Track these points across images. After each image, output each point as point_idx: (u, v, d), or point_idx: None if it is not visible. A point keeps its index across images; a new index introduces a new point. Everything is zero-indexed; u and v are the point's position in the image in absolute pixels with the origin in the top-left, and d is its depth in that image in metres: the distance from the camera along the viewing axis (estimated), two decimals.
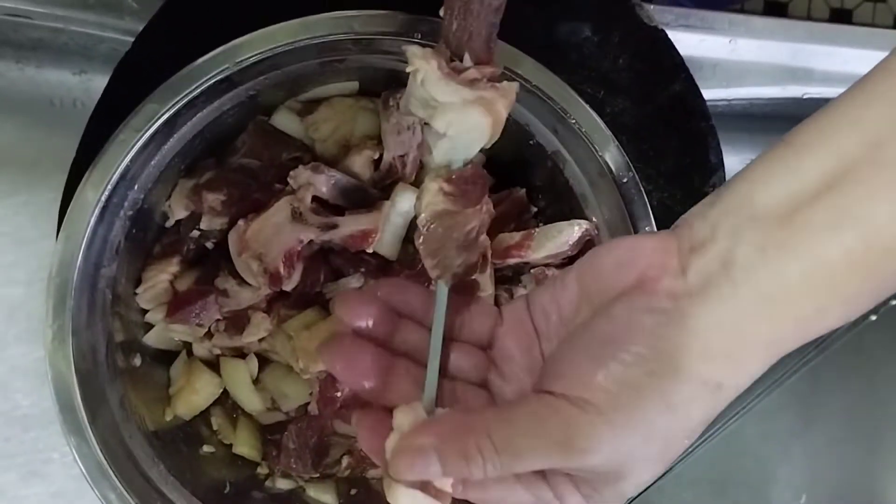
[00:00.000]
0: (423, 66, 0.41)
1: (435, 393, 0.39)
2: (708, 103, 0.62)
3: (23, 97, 0.70)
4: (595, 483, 0.36)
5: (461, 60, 0.43)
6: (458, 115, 0.41)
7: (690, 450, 0.72)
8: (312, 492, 0.59)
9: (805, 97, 0.69)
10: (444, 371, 0.40)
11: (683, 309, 0.34)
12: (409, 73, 0.42)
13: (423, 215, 0.43)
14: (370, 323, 0.40)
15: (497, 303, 0.57)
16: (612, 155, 0.53)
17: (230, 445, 0.59)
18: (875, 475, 0.74)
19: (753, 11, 1.21)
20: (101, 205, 0.49)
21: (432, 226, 0.43)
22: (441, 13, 0.43)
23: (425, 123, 0.43)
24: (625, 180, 0.53)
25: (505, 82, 0.44)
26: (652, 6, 0.64)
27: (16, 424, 0.68)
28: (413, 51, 0.42)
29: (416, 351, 0.41)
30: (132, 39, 0.64)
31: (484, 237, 0.44)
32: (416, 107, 0.43)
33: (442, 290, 0.41)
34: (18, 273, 0.69)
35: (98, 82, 0.70)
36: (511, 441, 0.35)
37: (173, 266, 0.56)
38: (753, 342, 0.34)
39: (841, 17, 1.29)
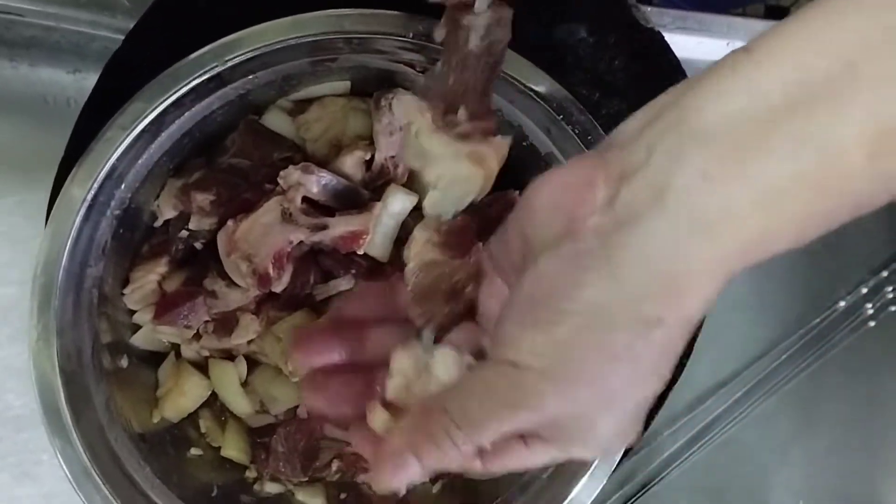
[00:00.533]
0: (417, 119, 0.41)
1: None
2: None
3: (16, 96, 0.69)
4: (563, 440, 0.35)
5: (456, 113, 0.43)
6: (449, 167, 0.41)
7: (687, 455, 0.72)
8: (301, 496, 0.59)
9: None
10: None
11: (610, 247, 0.31)
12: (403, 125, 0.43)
13: (411, 265, 0.43)
14: (333, 357, 0.40)
15: None
16: None
17: (218, 448, 0.59)
18: (874, 481, 0.73)
19: (754, 15, 1.21)
20: (87, 203, 0.49)
21: (421, 275, 0.42)
22: (438, 65, 0.43)
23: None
24: None
25: (499, 137, 0.43)
26: (649, 8, 0.63)
27: (8, 425, 0.67)
28: (408, 102, 0.42)
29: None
30: (124, 38, 0.63)
31: (471, 288, 0.44)
32: (410, 157, 0.43)
33: None
34: (12, 272, 0.69)
35: (92, 81, 0.69)
36: (467, 412, 0.34)
37: (161, 266, 0.55)
38: (692, 270, 0.30)
39: None
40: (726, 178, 0.29)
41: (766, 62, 0.29)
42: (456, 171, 0.42)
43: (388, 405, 0.38)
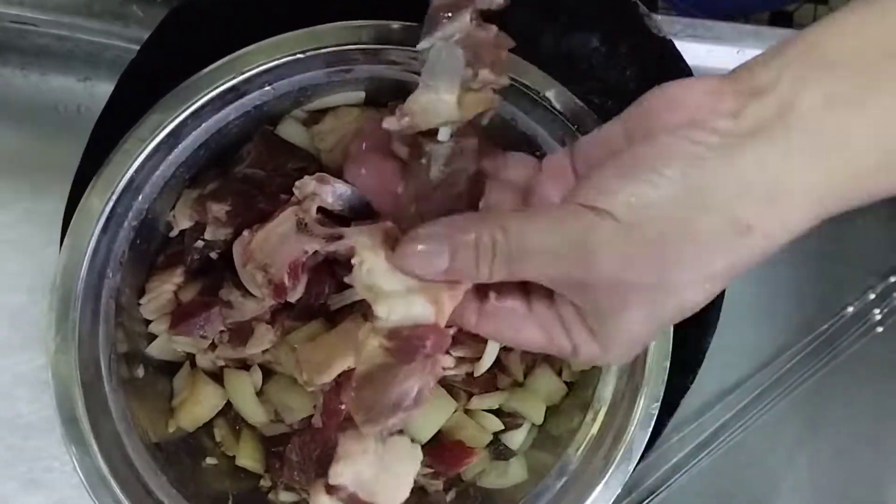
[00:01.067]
0: (370, 258, 0.40)
1: None
2: None
3: (27, 104, 0.70)
4: (598, 314, 0.35)
5: None
6: (401, 303, 0.39)
7: (695, 461, 0.72)
8: None
9: None
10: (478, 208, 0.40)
11: (729, 146, 0.32)
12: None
13: (360, 368, 0.40)
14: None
15: None
16: None
17: (233, 457, 0.59)
18: (881, 486, 0.73)
19: (759, 21, 1.22)
20: (105, 215, 0.49)
21: (365, 382, 0.40)
22: (399, 189, 0.42)
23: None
24: None
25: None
26: (659, 17, 0.63)
27: (17, 432, 0.68)
28: (362, 241, 0.40)
29: None
30: (137, 47, 0.63)
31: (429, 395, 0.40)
32: (360, 289, 0.41)
33: None
34: (22, 281, 0.69)
35: (102, 88, 0.70)
36: (525, 238, 0.34)
37: (177, 276, 0.55)
38: (799, 190, 0.32)
39: None
40: (848, 102, 0.31)
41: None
42: (407, 307, 0.39)
43: None
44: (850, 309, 0.73)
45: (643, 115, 0.35)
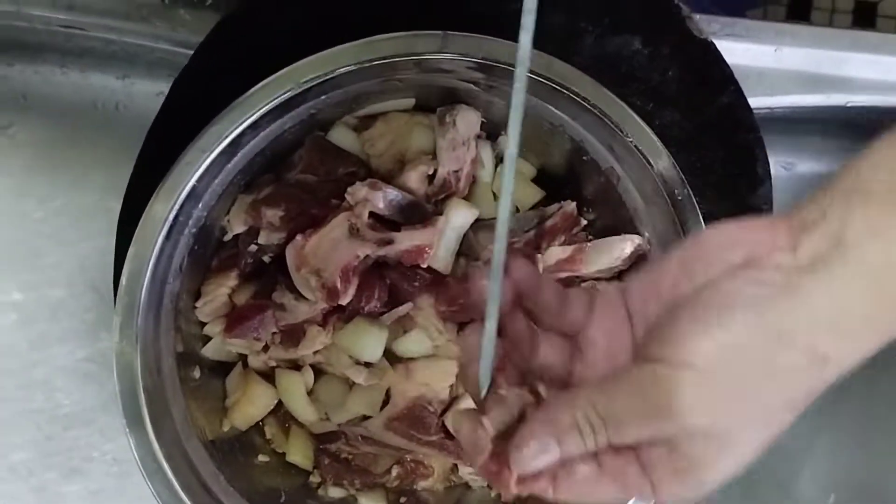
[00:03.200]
0: None
1: (489, 372, 0.38)
2: (754, 114, 0.62)
3: (66, 101, 0.70)
4: (694, 453, 0.35)
5: None
6: None
7: None
8: (364, 500, 0.60)
9: (849, 105, 0.69)
10: (529, 365, 0.40)
11: (792, 282, 0.33)
12: None
13: None
14: None
15: None
16: (666, 171, 0.53)
17: (283, 454, 0.60)
18: None
19: (775, 16, 1.21)
20: (168, 223, 0.50)
21: None
22: None
23: None
24: (679, 197, 0.53)
25: None
26: (698, 16, 0.63)
27: (57, 423, 0.69)
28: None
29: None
30: (182, 50, 0.64)
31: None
32: None
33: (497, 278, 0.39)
34: (60, 274, 0.69)
35: (141, 86, 0.70)
36: (615, 409, 0.35)
37: (231, 280, 0.56)
38: (860, 317, 0.33)
39: (863, 19, 1.29)
40: (891, 230, 0.33)
41: None
42: None
43: None
44: None
45: (701, 253, 0.36)
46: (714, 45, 0.62)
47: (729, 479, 0.36)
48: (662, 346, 0.35)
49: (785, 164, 0.74)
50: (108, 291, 0.56)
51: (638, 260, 0.57)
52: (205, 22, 0.61)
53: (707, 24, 0.65)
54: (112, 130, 0.70)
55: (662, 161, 0.53)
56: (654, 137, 0.53)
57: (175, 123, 0.56)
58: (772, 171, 0.71)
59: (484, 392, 0.38)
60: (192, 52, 0.59)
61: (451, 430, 0.57)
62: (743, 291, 0.34)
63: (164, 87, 0.65)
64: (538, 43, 0.48)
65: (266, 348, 0.57)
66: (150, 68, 0.69)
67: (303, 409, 0.59)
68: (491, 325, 0.37)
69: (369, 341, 0.56)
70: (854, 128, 0.71)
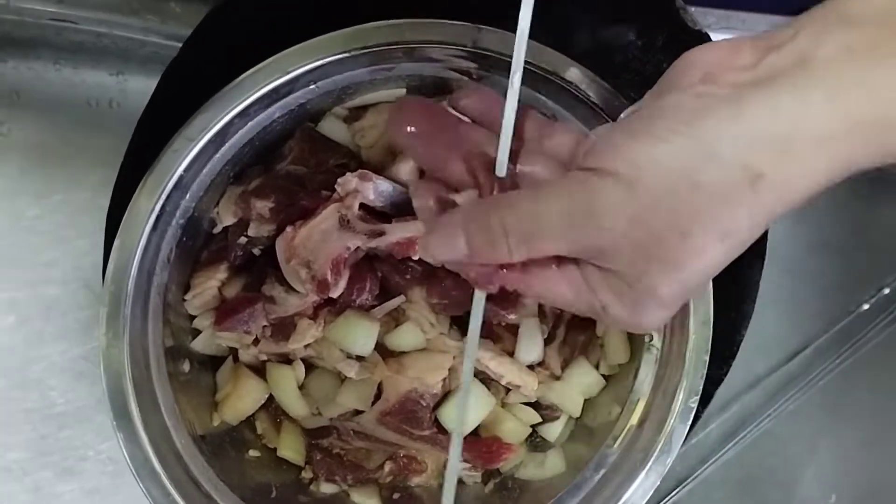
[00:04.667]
0: None
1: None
2: None
3: (60, 98, 0.70)
4: (621, 278, 0.34)
5: None
6: None
7: (722, 451, 0.73)
8: (356, 496, 0.60)
9: None
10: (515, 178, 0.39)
11: (738, 95, 0.31)
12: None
13: None
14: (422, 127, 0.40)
15: None
16: None
17: (274, 449, 0.59)
18: None
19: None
20: (155, 214, 0.49)
21: None
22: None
23: None
24: None
25: None
26: (693, 8, 0.63)
27: (52, 422, 0.69)
28: None
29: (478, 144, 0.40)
30: (173, 43, 0.64)
31: None
32: None
33: None
34: (55, 272, 0.69)
35: (134, 83, 0.70)
36: (535, 215, 0.34)
37: (221, 272, 0.56)
38: (815, 136, 0.31)
39: None
40: (870, 53, 0.30)
41: None
42: None
43: None
44: (872, 301, 0.73)
45: (670, 76, 0.35)
46: (709, 36, 0.62)
47: (675, 311, 0.34)
48: (593, 156, 0.34)
49: None
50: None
51: None
52: (195, 14, 0.61)
53: (702, 17, 0.65)
54: (106, 128, 0.71)
55: None
56: None
57: (164, 116, 0.55)
58: None
59: None
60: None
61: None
62: (682, 104, 0.32)
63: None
64: (532, 33, 0.49)
65: (256, 342, 0.57)
66: (144, 64, 0.69)
67: (294, 404, 0.58)
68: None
69: (360, 334, 0.56)
70: None
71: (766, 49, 0.32)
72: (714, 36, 0.62)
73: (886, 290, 0.73)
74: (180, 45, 0.59)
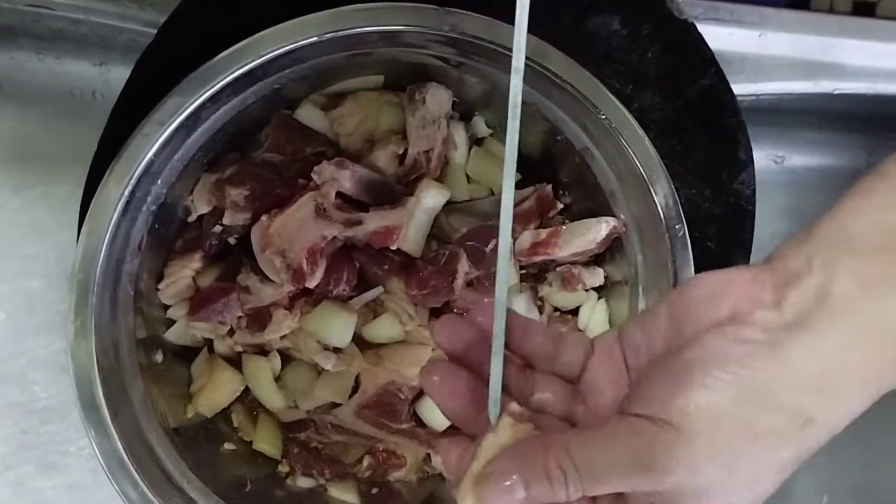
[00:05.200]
0: None
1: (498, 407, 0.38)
2: (736, 98, 0.61)
3: (43, 88, 0.69)
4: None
5: None
6: None
7: None
8: (334, 491, 0.59)
9: (836, 92, 0.67)
10: (528, 404, 0.39)
11: (777, 341, 0.33)
12: None
13: None
14: (465, 348, 0.39)
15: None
16: (642, 152, 0.52)
17: (250, 443, 0.59)
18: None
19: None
20: (124, 199, 0.48)
21: None
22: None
23: None
24: (655, 177, 0.52)
25: None
26: None
27: (34, 417, 0.68)
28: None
29: None
30: (153, 31, 0.63)
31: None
32: None
33: (501, 298, 0.39)
34: (37, 265, 0.69)
35: (117, 73, 0.69)
36: (591, 460, 0.34)
37: (195, 262, 0.55)
38: (850, 377, 0.33)
39: (864, 10, 1.27)
40: (879, 284, 0.32)
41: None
42: None
43: None
44: None
45: (686, 306, 0.36)
46: (694, 26, 0.61)
47: None
48: (642, 403, 0.35)
49: (775, 158, 0.73)
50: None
51: (614, 242, 0.55)
52: (173, 1, 0.60)
53: (690, 8, 0.64)
54: (89, 119, 0.69)
55: (638, 140, 0.52)
56: (629, 116, 0.52)
57: (139, 103, 0.55)
58: (762, 165, 0.70)
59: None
60: None
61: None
62: (725, 351, 0.33)
63: None
64: (512, 20, 0.48)
65: (232, 333, 0.56)
66: (126, 54, 0.68)
67: (270, 396, 0.57)
68: (497, 364, 0.37)
69: (338, 325, 0.55)
70: (842, 119, 0.70)
71: (783, 284, 0.34)
72: (701, 27, 0.61)
73: None
74: None
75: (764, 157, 0.72)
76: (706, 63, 0.60)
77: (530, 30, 0.53)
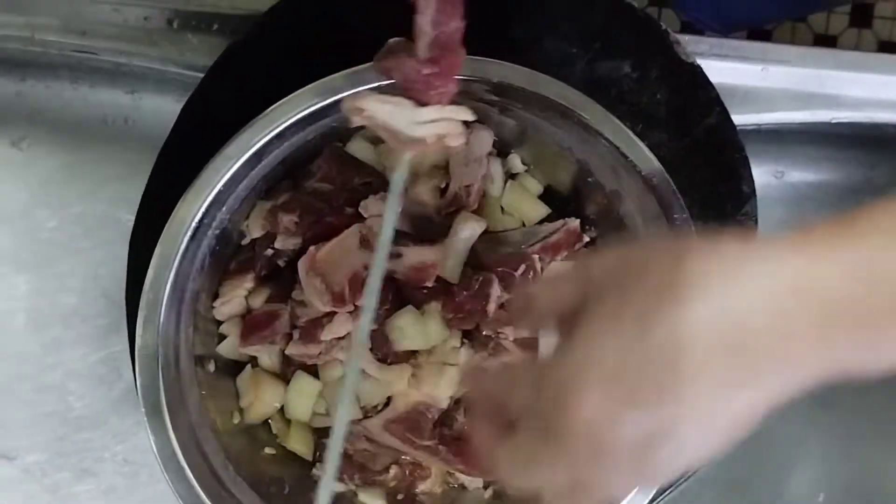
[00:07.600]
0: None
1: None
2: (738, 128, 0.64)
3: (77, 116, 0.71)
4: None
5: None
6: None
7: None
8: (363, 496, 0.62)
9: (833, 121, 0.70)
10: None
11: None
12: None
13: None
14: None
15: None
16: (667, 196, 0.55)
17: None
18: (892, 471, 0.75)
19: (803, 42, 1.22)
20: (193, 225, 0.52)
21: None
22: None
23: None
24: (678, 221, 0.55)
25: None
26: (686, 37, 0.65)
27: (69, 425, 0.71)
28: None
29: None
30: (190, 72, 0.66)
31: None
32: None
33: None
34: (73, 281, 0.71)
35: (148, 101, 0.71)
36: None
37: (248, 282, 0.59)
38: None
39: (888, 49, 1.30)
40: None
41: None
42: None
43: None
44: None
45: None
46: (701, 68, 0.63)
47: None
48: None
49: (775, 173, 0.75)
50: (119, 298, 0.59)
51: None
52: (212, 46, 0.64)
53: (695, 45, 0.66)
54: (121, 144, 0.71)
55: (665, 185, 0.55)
56: (657, 163, 0.55)
57: (185, 144, 0.59)
58: (763, 180, 0.71)
59: None
60: (199, 74, 0.62)
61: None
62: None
63: (171, 102, 0.69)
64: (534, 67, 0.51)
65: (289, 338, 0.59)
66: (159, 84, 0.71)
67: (305, 410, 0.61)
68: None
69: (418, 330, 0.59)
70: (841, 138, 0.72)
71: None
72: (705, 63, 0.64)
73: None
74: (196, 73, 0.62)
75: (764, 173, 0.74)
76: (711, 103, 0.63)
77: (554, 71, 0.57)
